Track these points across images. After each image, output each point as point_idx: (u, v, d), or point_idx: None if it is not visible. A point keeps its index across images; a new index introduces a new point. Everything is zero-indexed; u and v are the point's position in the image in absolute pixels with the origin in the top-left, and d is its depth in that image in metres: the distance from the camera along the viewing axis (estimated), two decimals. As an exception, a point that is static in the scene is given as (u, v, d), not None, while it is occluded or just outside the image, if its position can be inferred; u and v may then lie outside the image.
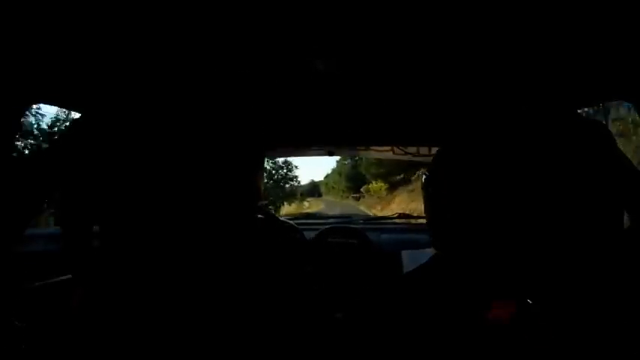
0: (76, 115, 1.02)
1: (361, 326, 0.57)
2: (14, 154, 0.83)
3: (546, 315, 0.40)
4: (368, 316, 0.56)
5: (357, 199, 24.48)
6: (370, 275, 1.64)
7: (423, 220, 2.33)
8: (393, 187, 19.49)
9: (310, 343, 0.56)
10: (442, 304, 0.47)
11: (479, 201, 0.46)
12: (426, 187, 0.58)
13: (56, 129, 8.45)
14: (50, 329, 0.71)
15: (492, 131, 0.50)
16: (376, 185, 21.35)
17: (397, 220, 2.25)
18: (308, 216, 2.55)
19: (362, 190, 23.71)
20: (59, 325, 0.66)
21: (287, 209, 15.82)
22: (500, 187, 0.45)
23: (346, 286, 1.61)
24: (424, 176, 0.59)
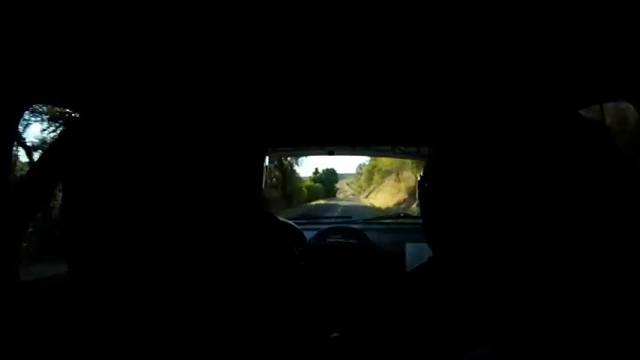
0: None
1: (359, 328, 0.57)
2: (14, 154, 0.83)
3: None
4: (367, 318, 0.56)
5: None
6: (370, 275, 1.64)
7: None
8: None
9: (308, 344, 0.56)
10: (442, 307, 0.47)
11: (475, 201, 0.46)
12: (421, 186, 0.58)
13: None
14: (49, 329, 0.71)
15: (490, 131, 0.50)
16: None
17: (398, 220, 2.25)
18: (308, 216, 2.56)
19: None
20: (59, 325, 0.66)
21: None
22: (496, 187, 0.45)
23: (346, 287, 1.61)
24: (420, 176, 0.59)
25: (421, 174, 0.58)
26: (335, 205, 19.37)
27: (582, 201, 0.41)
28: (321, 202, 25.81)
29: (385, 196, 22.63)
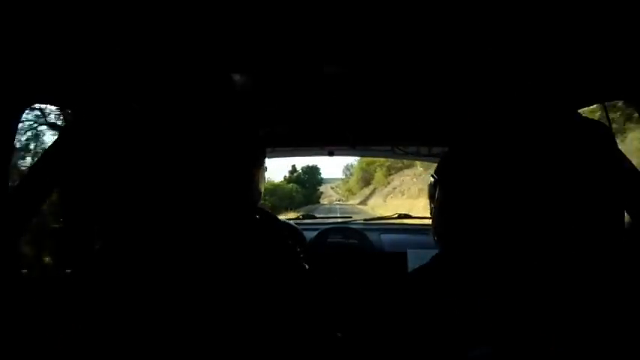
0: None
1: (360, 328, 0.57)
2: (14, 154, 0.83)
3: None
4: (368, 318, 0.56)
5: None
6: (370, 276, 1.64)
7: (423, 221, 2.35)
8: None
9: (307, 344, 0.56)
10: (443, 307, 0.47)
11: (483, 203, 0.47)
12: (432, 189, 0.59)
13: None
14: (50, 328, 0.71)
15: (496, 133, 0.50)
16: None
17: (397, 221, 2.25)
18: (308, 216, 2.55)
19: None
20: (59, 324, 0.66)
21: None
22: (503, 189, 0.45)
23: (346, 287, 1.61)
24: (431, 179, 0.60)
25: (433, 175, 0.59)
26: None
27: (587, 204, 0.41)
28: (291, 216, 10.39)
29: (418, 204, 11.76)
